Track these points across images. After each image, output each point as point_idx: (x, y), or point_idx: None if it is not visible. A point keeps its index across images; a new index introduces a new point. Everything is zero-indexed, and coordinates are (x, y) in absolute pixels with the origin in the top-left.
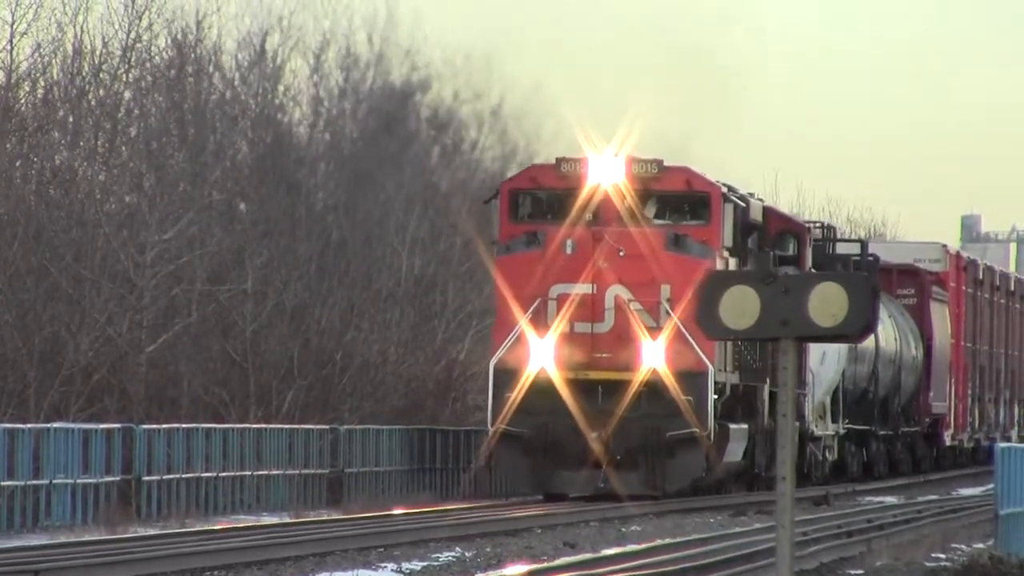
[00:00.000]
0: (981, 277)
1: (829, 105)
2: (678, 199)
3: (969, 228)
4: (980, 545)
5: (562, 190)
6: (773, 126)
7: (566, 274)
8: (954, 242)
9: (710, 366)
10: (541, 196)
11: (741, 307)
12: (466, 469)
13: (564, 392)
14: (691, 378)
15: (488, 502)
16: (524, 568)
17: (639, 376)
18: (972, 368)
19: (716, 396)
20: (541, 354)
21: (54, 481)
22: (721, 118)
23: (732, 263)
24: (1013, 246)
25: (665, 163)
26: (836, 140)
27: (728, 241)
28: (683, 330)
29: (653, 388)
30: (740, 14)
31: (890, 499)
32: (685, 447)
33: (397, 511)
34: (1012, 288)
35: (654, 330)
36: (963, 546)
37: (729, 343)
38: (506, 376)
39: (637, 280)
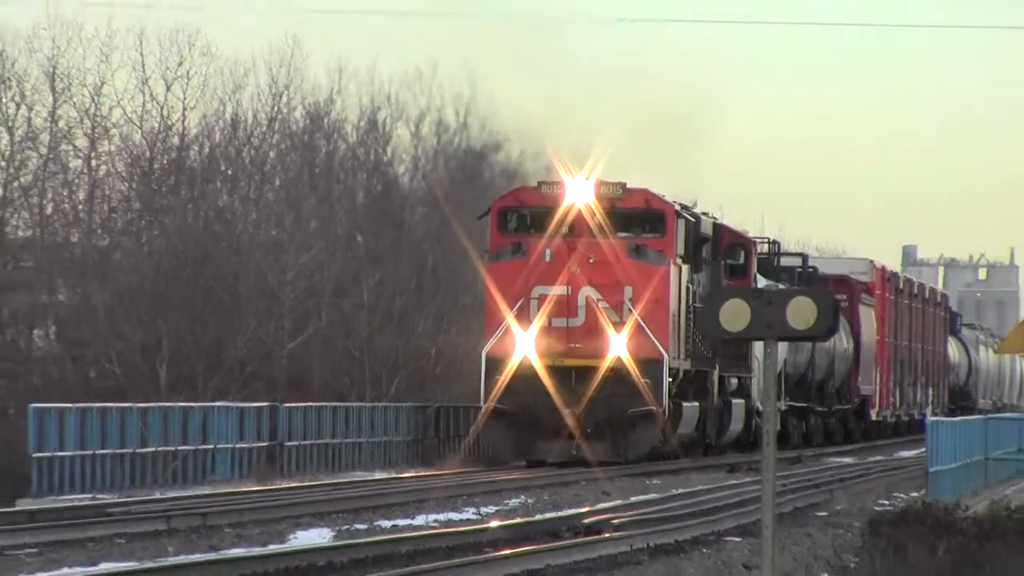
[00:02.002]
0: (901, 287)
1: (806, 160)
2: (638, 215)
3: (908, 255)
4: (915, 494)
5: (542, 208)
6: (760, 173)
7: (545, 277)
8: (896, 266)
9: (665, 354)
10: (525, 213)
11: (735, 315)
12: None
13: (543, 376)
14: (649, 364)
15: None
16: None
17: (606, 363)
18: (893, 358)
19: (671, 379)
20: (524, 344)
21: (217, 446)
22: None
23: (685, 269)
24: (941, 269)
25: (628, 185)
26: (810, 187)
27: (681, 251)
28: (642, 324)
29: (617, 373)
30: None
31: (847, 460)
32: (644, 421)
33: (475, 470)
34: (926, 296)
35: (618, 324)
36: (902, 495)
37: (682, 338)
38: (495, 363)
39: (604, 282)
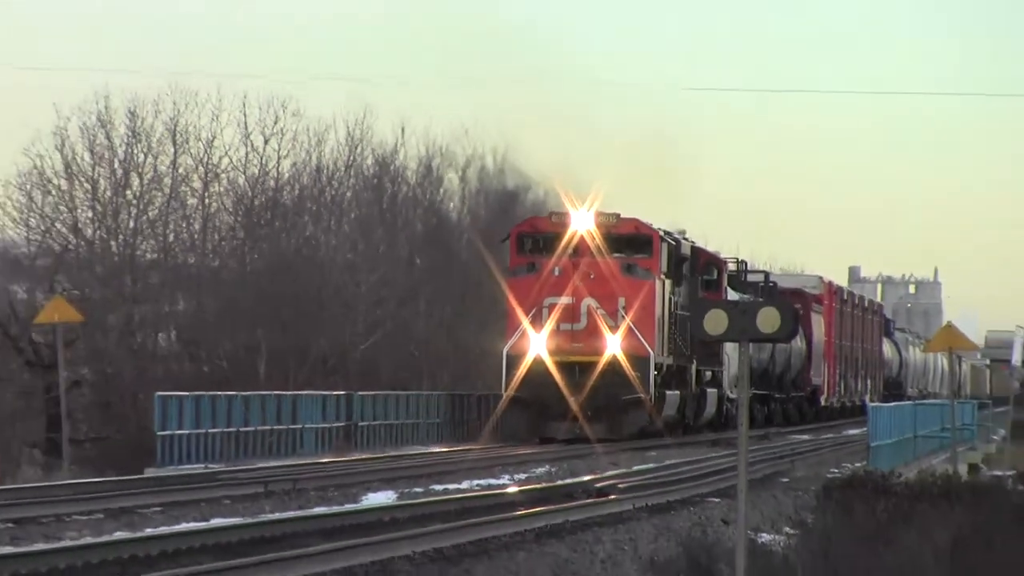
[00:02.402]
0: (845, 298)
1: (771, 195)
2: (629, 239)
3: (853, 273)
4: (858, 464)
5: (552, 233)
6: (734, 205)
7: (554, 290)
8: (844, 282)
9: (651, 352)
10: (538, 237)
11: (717, 322)
12: (500, 422)
13: (553, 370)
14: (638, 360)
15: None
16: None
17: (603, 359)
18: (839, 356)
19: (656, 372)
20: (537, 344)
21: (304, 426)
22: (668, 183)
23: (668, 284)
24: (880, 285)
25: (621, 215)
26: (774, 216)
27: (664, 268)
28: (633, 328)
29: (613, 367)
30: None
31: (804, 437)
32: (634, 406)
33: (503, 445)
34: (866, 306)
35: (613, 328)
36: (848, 464)
37: (666, 339)
38: (514, 359)
39: (602, 294)
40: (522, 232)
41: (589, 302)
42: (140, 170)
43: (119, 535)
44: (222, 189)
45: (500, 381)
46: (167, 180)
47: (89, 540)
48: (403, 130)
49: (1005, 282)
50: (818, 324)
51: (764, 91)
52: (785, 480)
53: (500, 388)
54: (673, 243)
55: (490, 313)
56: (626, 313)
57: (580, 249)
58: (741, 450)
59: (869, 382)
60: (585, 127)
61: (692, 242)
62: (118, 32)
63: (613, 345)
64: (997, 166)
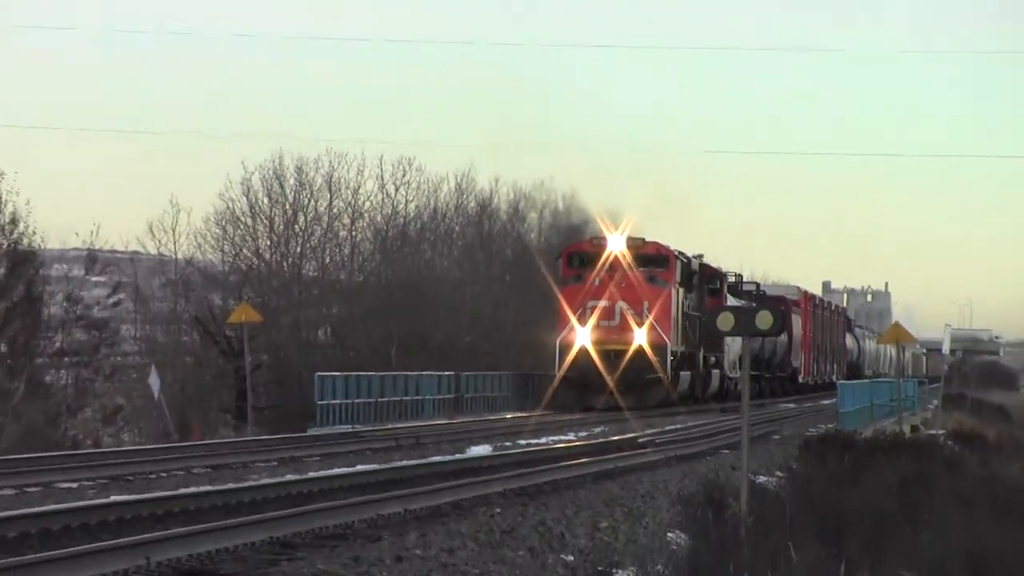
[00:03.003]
0: (817, 303)
1: (763, 220)
2: (651, 258)
3: (825, 285)
4: (830, 425)
5: (593, 253)
6: (726, 225)
7: (595, 296)
8: (817, 291)
9: (668, 342)
10: (583, 256)
11: (726, 321)
12: (554, 395)
13: (594, 356)
14: (658, 348)
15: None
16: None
17: (632, 347)
18: (812, 346)
19: (672, 357)
20: (583, 336)
21: (424, 397)
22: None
23: (681, 291)
24: (845, 294)
25: (646, 239)
26: (764, 237)
27: (678, 279)
28: (654, 324)
29: (639, 353)
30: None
31: (790, 405)
32: (656, 383)
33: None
34: (833, 309)
35: (640, 324)
36: (823, 425)
37: (679, 332)
38: (565, 348)
39: (631, 299)
40: (571, 252)
41: (621, 305)
42: (304, 210)
43: (289, 477)
44: (364, 224)
45: (555, 364)
46: (324, 218)
47: (266, 481)
48: (497, 181)
49: (937, 292)
50: (797, 322)
51: (772, 153)
52: (776, 437)
53: (554, 370)
54: (685, 260)
55: (551, 313)
56: (649, 313)
57: (614, 265)
58: (744, 415)
59: (835, 365)
60: (624, 176)
61: (701, 259)
62: (285, 106)
63: (640, 337)
64: (936, 195)
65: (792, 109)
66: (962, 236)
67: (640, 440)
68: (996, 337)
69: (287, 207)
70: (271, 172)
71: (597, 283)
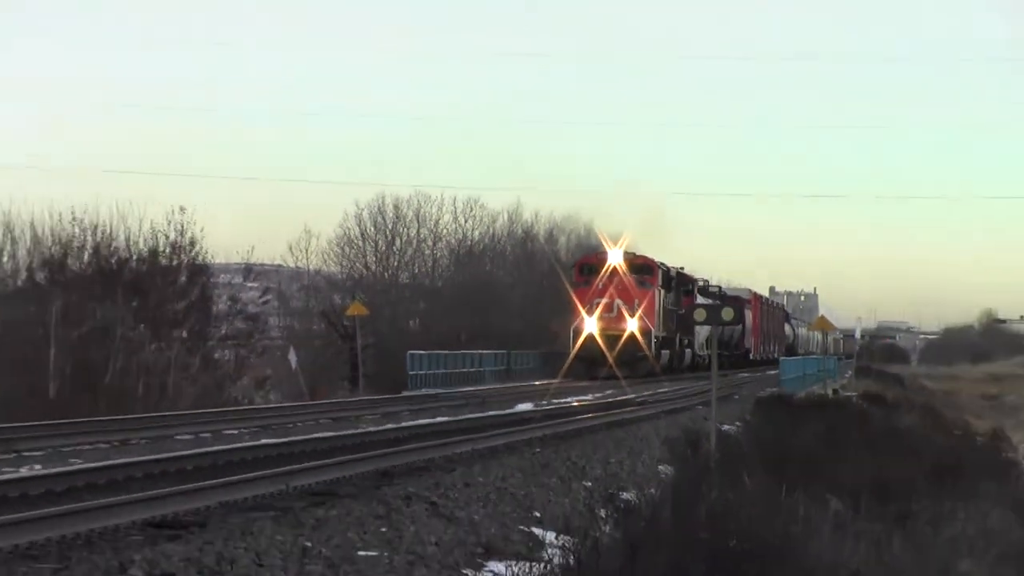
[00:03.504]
0: (764, 302)
1: (723, 237)
2: (641, 266)
3: (772, 289)
4: (774, 389)
5: (598, 263)
6: (697, 243)
7: (599, 295)
8: (765, 292)
9: (652, 329)
10: (591, 265)
11: (700, 314)
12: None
13: (599, 339)
14: (645, 333)
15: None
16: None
17: (626, 333)
18: (760, 332)
19: (655, 340)
20: (590, 325)
21: (484, 369)
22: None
23: (663, 292)
24: (785, 296)
25: (637, 252)
26: (726, 251)
27: (660, 283)
28: (643, 316)
29: (632, 337)
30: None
31: (745, 375)
32: (643, 359)
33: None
34: (775, 306)
35: (632, 316)
36: (769, 389)
37: (661, 322)
38: (577, 333)
39: (625, 298)
40: (581, 263)
41: (618, 302)
42: (400, 236)
43: (388, 425)
44: (443, 245)
45: (570, 344)
46: (414, 241)
47: (371, 428)
48: (536, 214)
49: (848, 294)
50: (749, 315)
51: (754, 195)
52: (736, 397)
53: (570, 348)
54: (665, 269)
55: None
56: (639, 308)
57: (613, 272)
58: (713, 381)
59: (777, 346)
60: (624, 210)
61: (681, 269)
62: (386, 158)
63: (632, 325)
64: (851, 222)
65: (748, 160)
66: (867, 250)
67: (637, 400)
68: (910, 327)
69: (387, 233)
70: (376, 208)
71: (600, 286)
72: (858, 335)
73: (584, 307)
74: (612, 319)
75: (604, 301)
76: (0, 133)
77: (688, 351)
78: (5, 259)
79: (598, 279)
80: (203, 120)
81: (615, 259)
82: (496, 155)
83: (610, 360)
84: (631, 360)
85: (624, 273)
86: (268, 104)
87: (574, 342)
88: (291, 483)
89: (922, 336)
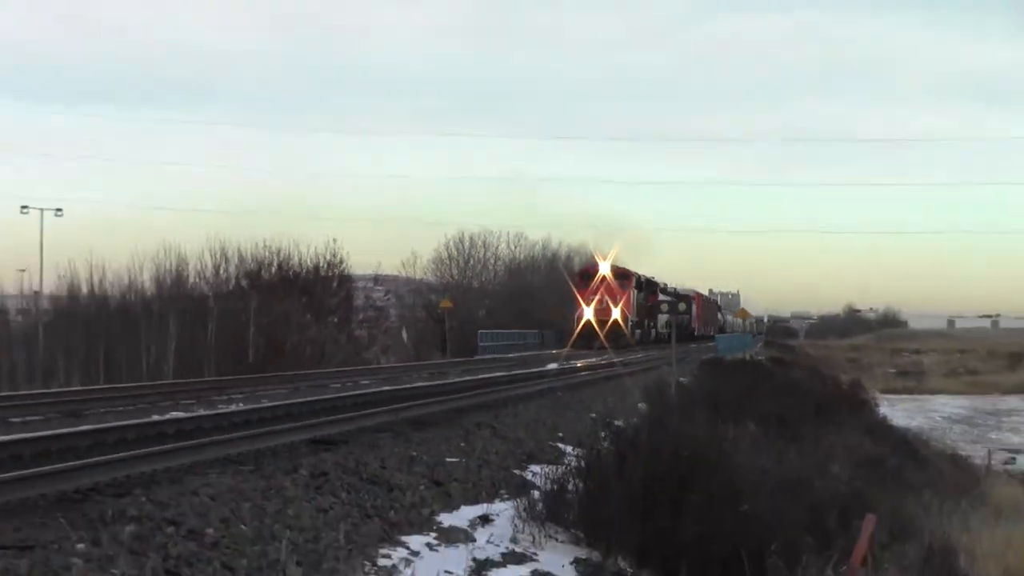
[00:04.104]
0: (705, 298)
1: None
2: (621, 274)
3: (711, 290)
4: (712, 355)
5: (593, 271)
6: (664, 259)
7: (593, 293)
8: (706, 292)
9: (629, 316)
10: (589, 272)
11: (664, 307)
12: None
13: (594, 323)
14: (624, 319)
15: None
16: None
17: (611, 318)
18: (702, 318)
19: (631, 323)
20: (588, 313)
21: (526, 342)
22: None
23: (636, 292)
24: (719, 295)
25: (619, 265)
26: (684, 262)
27: (635, 286)
28: (623, 307)
29: (615, 322)
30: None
31: (692, 346)
32: (623, 336)
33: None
34: (712, 300)
35: (615, 307)
36: (709, 355)
37: (634, 311)
38: (579, 319)
39: (611, 295)
40: (581, 271)
41: (606, 298)
42: (472, 258)
43: (466, 378)
44: (500, 264)
45: (575, 326)
46: (481, 262)
47: (455, 380)
48: (560, 243)
49: (759, 293)
50: (694, 307)
51: (700, 229)
52: (687, 360)
53: (574, 329)
54: (638, 276)
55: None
56: (620, 302)
57: (603, 278)
58: (673, 350)
59: (712, 328)
60: (614, 237)
61: (652, 278)
62: (465, 205)
63: (616, 314)
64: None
65: (696, 204)
66: (773, 263)
67: (621, 363)
68: (807, 316)
69: (465, 256)
70: (458, 239)
71: (595, 287)
72: (765, 320)
73: (584, 301)
74: (602, 309)
75: (597, 297)
76: (203, 186)
77: (653, 331)
78: (221, 272)
79: (593, 283)
80: (348, 179)
81: (605, 269)
82: (534, 205)
83: (601, 337)
84: (615, 337)
85: (610, 279)
86: (384, 169)
87: (577, 324)
88: (400, 415)
89: (807, 321)
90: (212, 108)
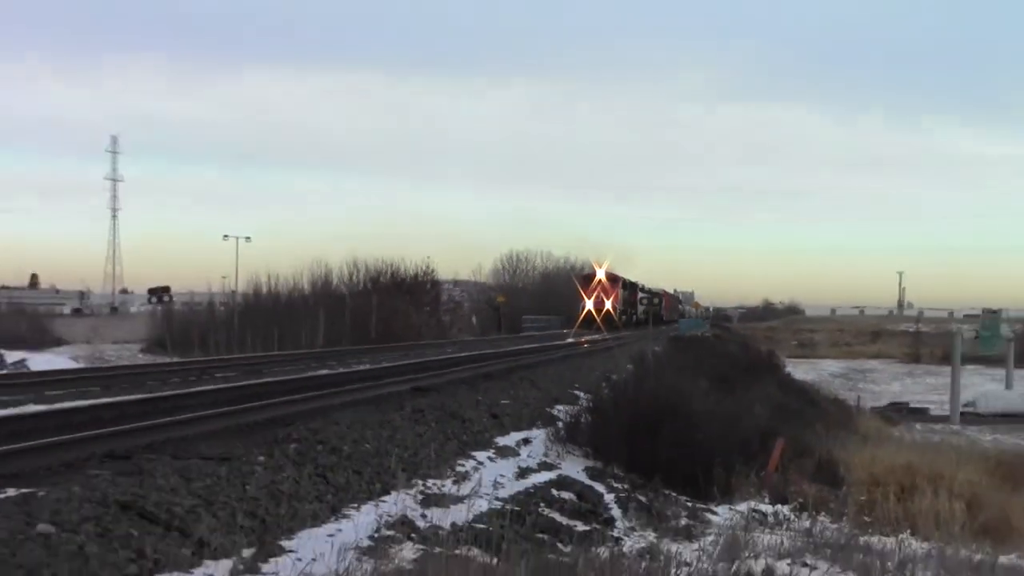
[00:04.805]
0: (671, 295)
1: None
2: (612, 277)
3: (675, 289)
4: (676, 333)
5: (592, 275)
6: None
7: (592, 290)
8: (671, 290)
9: (618, 307)
10: (588, 277)
11: (642, 301)
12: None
13: (593, 312)
14: (614, 309)
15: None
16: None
17: (604, 309)
18: (669, 309)
19: (619, 312)
20: (588, 305)
21: (550, 324)
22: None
23: (623, 290)
24: (681, 293)
25: (611, 270)
26: (659, 266)
27: (622, 286)
28: (613, 301)
29: (608, 311)
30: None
31: (663, 328)
32: (613, 322)
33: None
34: (675, 295)
35: (607, 300)
36: (673, 333)
37: (621, 303)
38: (582, 309)
39: (605, 292)
40: (583, 275)
41: (601, 294)
42: (519, 268)
43: (512, 347)
44: (536, 272)
45: (579, 315)
46: (524, 271)
47: (504, 349)
48: (577, 258)
49: (707, 291)
50: (663, 301)
51: (666, 246)
52: (659, 338)
53: (578, 317)
54: (625, 278)
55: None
56: (611, 297)
57: (599, 281)
58: (650, 331)
59: (676, 315)
60: (607, 252)
61: (633, 280)
62: (518, 228)
63: (607, 305)
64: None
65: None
66: (718, 267)
67: (613, 340)
68: (739, 307)
69: (514, 267)
70: (509, 255)
71: (593, 286)
72: (711, 310)
73: (586, 296)
74: (599, 302)
75: (595, 294)
76: (343, 220)
77: (634, 317)
78: (354, 279)
79: (593, 283)
80: (438, 217)
81: (600, 274)
82: (558, 232)
83: (598, 321)
84: (608, 321)
85: (604, 281)
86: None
87: (581, 313)
88: (471, 371)
89: (738, 310)
90: (345, 180)
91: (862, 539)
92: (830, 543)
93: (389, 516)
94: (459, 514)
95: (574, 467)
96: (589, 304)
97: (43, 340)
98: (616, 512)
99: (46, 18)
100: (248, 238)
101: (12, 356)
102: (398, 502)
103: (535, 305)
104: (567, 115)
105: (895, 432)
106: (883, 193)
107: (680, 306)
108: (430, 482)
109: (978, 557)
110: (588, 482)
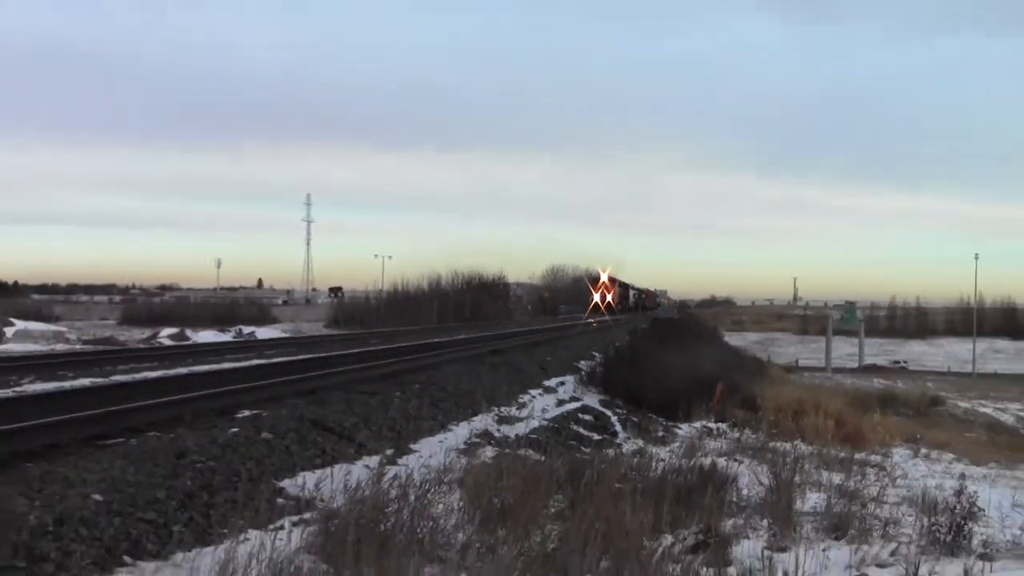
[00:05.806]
0: (653, 291)
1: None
2: (612, 279)
3: (655, 288)
4: (656, 317)
5: (598, 277)
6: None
7: (597, 289)
8: (652, 288)
9: (617, 300)
10: (594, 278)
11: (632, 297)
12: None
13: (599, 304)
14: (614, 302)
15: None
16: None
17: (607, 302)
18: (651, 301)
19: (617, 304)
20: (596, 298)
21: (560, 311)
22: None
23: (618, 288)
24: (658, 291)
25: (612, 274)
26: (648, 268)
27: (619, 286)
28: (613, 296)
29: (609, 303)
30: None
31: (647, 314)
32: (613, 311)
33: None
34: (655, 292)
35: (609, 295)
36: (656, 318)
37: (617, 298)
38: (590, 302)
39: (607, 290)
40: (591, 278)
41: (605, 291)
42: (558, 274)
43: (551, 327)
44: (567, 278)
45: (589, 306)
46: (563, 276)
47: (539, 327)
48: (585, 268)
49: (677, 288)
50: (647, 295)
51: (652, 261)
52: (644, 320)
53: (589, 307)
54: (621, 280)
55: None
56: (611, 293)
57: (603, 282)
58: (639, 317)
59: (655, 305)
60: (609, 261)
61: (627, 281)
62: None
63: (609, 299)
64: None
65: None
66: (683, 273)
67: (613, 323)
68: (695, 300)
69: (555, 273)
70: (552, 266)
71: (599, 286)
72: (678, 301)
73: (594, 292)
74: (603, 297)
75: (600, 291)
76: (449, 239)
77: (627, 307)
78: (454, 281)
79: (598, 284)
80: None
81: (604, 277)
82: (584, 250)
83: (602, 310)
84: (609, 310)
85: (607, 282)
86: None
87: (590, 304)
88: (527, 340)
89: (695, 302)
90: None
91: (771, 444)
92: (751, 447)
93: (476, 430)
94: (520, 428)
95: (592, 400)
96: (596, 298)
97: (264, 319)
98: (619, 428)
99: (259, 112)
100: (390, 256)
101: (247, 329)
102: (482, 421)
103: (567, 299)
104: (584, 178)
105: (791, 378)
106: (787, 231)
107: (658, 299)
108: (502, 408)
109: (842, 454)
110: (601, 409)
